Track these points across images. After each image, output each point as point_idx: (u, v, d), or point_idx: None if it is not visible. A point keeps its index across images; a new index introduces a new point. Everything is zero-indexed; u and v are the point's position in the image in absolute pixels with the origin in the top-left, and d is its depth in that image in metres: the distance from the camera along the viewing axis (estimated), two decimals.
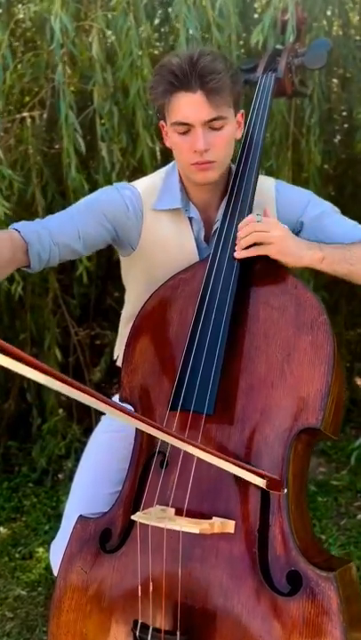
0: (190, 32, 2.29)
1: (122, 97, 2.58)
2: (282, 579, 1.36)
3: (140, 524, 1.44)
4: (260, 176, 1.71)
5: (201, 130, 1.56)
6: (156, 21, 2.84)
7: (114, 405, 1.07)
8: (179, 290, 1.65)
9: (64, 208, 1.76)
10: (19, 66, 2.69)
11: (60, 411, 3.24)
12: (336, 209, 1.77)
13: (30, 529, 2.92)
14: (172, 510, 1.45)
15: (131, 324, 1.68)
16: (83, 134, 2.54)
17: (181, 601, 1.40)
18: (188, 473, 1.45)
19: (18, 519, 3.01)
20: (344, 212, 1.77)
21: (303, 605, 1.33)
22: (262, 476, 1.37)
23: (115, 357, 1.95)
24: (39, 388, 3.21)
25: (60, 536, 1.72)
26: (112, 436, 1.80)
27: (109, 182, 2.45)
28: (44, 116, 2.75)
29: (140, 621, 1.43)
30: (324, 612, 1.32)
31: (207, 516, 1.42)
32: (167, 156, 2.45)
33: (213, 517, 1.41)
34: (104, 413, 1.26)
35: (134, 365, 1.64)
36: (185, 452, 1.42)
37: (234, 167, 1.72)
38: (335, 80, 3.11)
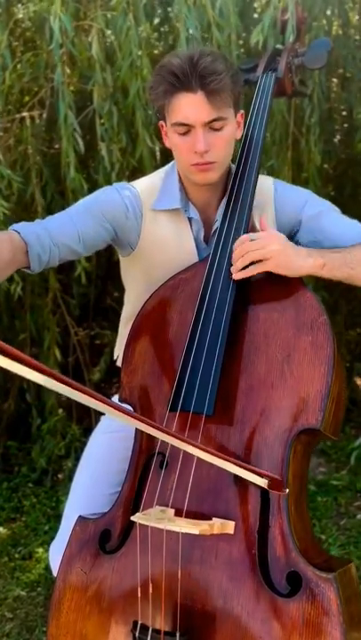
0: (190, 32, 2.29)
1: (121, 97, 2.58)
2: (282, 580, 1.36)
3: (140, 524, 1.44)
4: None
5: (201, 130, 1.55)
6: (156, 21, 2.84)
7: (113, 406, 1.07)
8: (179, 290, 1.65)
9: (63, 208, 1.76)
10: (18, 65, 2.69)
11: (60, 411, 3.24)
12: (335, 208, 1.76)
13: (30, 529, 2.92)
14: (172, 511, 1.45)
15: (131, 324, 1.68)
16: (82, 134, 2.54)
17: (181, 602, 1.40)
18: (188, 474, 1.45)
19: (17, 519, 3.01)
20: (344, 212, 1.76)
21: (303, 606, 1.33)
22: (264, 476, 1.37)
23: (115, 357, 1.95)
24: (39, 388, 3.21)
25: (59, 537, 1.73)
26: (112, 437, 1.80)
27: (109, 182, 2.45)
28: (44, 115, 2.75)
29: (139, 622, 1.43)
30: (323, 613, 1.31)
31: (207, 517, 1.42)
32: (167, 156, 2.45)
33: (213, 518, 1.41)
34: (104, 413, 1.25)
35: (134, 366, 1.63)
36: (185, 453, 1.42)
37: (234, 167, 1.72)
38: (335, 80, 3.10)
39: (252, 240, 1.53)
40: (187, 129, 1.57)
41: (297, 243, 1.77)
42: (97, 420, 1.96)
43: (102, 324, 4.04)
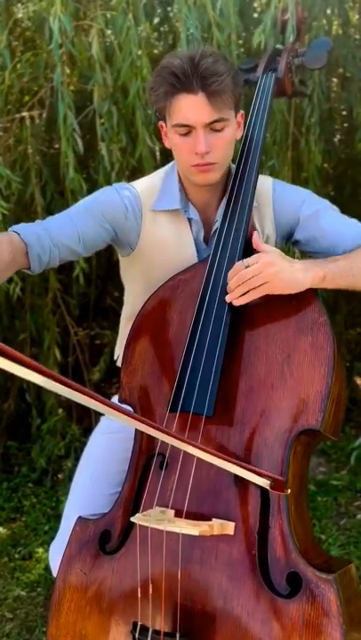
0: (190, 32, 2.29)
1: (121, 97, 2.58)
2: (282, 580, 1.36)
3: (140, 525, 1.44)
4: None
5: (202, 131, 1.55)
6: (156, 21, 2.84)
7: (113, 406, 1.07)
8: (178, 290, 1.65)
9: (63, 208, 1.76)
10: (18, 65, 2.68)
11: (60, 411, 3.24)
12: (334, 207, 1.76)
13: (30, 529, 2.92)
14: (172, 512, 1.45)
15: (131, 324, 1.68)
16: (82, 134, 2.54)
17: (181, 602, 1.40)
18: (188, 474, 1.45)
19: (17, 519, 3.01)
20: (343, 212, 1.76)
21: (303, 607, 1.33)
22: (266, 477, 1.37)
23: (115, 357, 1.95)
24: (39, 388, 3.20)
25: (59, 537, 1.73)
26: (111, 438, 1.80)
27: (109, 182, 2.45)
28: (44, 115, 2.75)
29: (139, 623, 1.43)
30: (323, 614, 1.31)
31: (207, 518, 1.42)
32: (167, 156, 2.44)
33: (213, 519, 1.41)
34: (103, 414, 1.25)
35: (134, 366, 1.63)
36: (185, 454, 1.42)
37: (234, 167, 1.72)
38: (335, 80, 3.10)
39: (247, 267, 1.49)
40: (187, 130, 1.57)
41: (296, 241, 1.77)
42: (97, 420, 1.96)
43: (102, 323, 4.04)
